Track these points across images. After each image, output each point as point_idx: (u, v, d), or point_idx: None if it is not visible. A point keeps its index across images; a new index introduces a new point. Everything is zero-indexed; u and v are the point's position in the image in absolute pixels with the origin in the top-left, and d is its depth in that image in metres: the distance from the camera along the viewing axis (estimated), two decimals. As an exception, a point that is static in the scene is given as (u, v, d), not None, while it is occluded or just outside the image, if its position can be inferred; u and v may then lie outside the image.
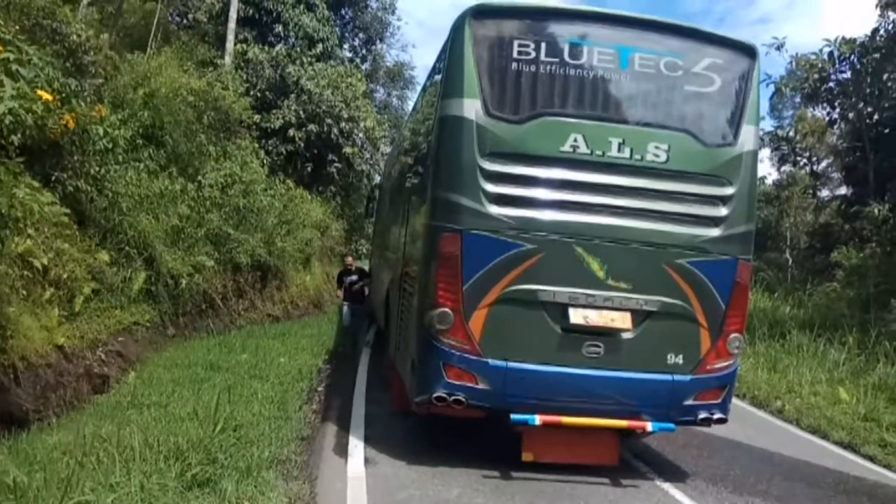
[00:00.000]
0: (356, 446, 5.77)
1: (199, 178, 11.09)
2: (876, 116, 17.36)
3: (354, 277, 10.31)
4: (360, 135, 19.16)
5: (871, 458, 7.12)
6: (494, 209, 5.19)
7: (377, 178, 18.41)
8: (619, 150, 5.26)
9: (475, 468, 5.45)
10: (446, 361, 5.25)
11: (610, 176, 5.29)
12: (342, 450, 5.71)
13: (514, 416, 5.22)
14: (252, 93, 16.52)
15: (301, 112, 17.60)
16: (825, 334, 12.68)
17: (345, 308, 10.41)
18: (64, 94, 6.88)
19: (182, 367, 7.70)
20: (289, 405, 6.33)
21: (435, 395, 5.24)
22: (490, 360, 5.23)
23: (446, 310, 5.21)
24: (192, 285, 9.73)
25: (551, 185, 5.28)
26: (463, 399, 5.23)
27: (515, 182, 5.24)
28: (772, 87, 19.94)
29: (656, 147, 5.29)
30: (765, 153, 30.82)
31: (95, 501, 3.64)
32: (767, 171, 38.58)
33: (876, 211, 14.49)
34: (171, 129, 10.74)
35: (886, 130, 16.62)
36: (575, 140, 5.21)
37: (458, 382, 5.25)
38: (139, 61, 11.60)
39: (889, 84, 16.30)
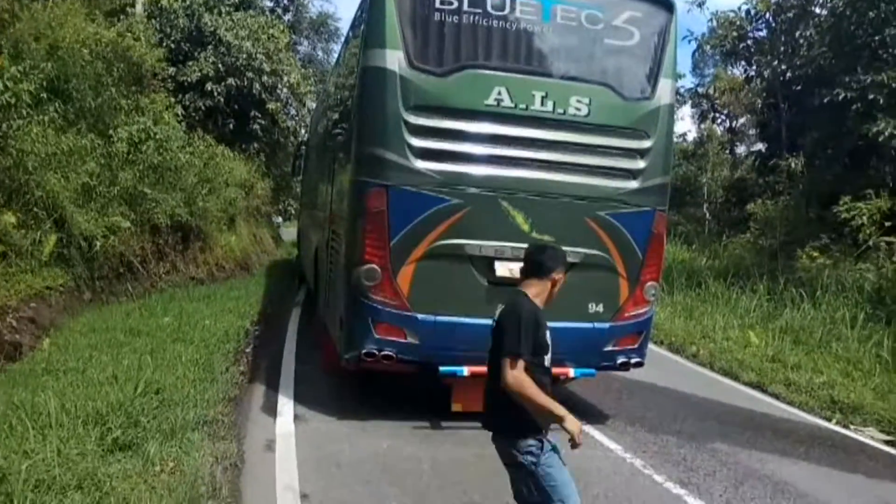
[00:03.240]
0: (286, 404, 5.75)
1: (111, 132, 10.49)
2: (789, 74, 18.12)
3: None
4: (285, 90, 18.56)
5: (777, 396, 7.64)
6: (420, 164, 5.16)
7: (304, 135, 17.94)
8: (542, 104, 5.29)
9: (406, 420, 5.55)
10: (375, 317, 5.26)
11: (533, 130, 5.33)
12: (271, 409, 5.68)
13: (442, 369, 5.31)
14: (166, 43, 15.65)
15: (220, 65, 16.84)
16: (738, 283, 13.41)
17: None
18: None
19: (100, 332, 7.39)
20: (215, 367, 6.18)
21: (364, 351, 5.27)
22: (419, 315, 5.28)
23: (373, 266, 5.19)
24: (107, 248, 9.26)
25: (476, 138, 5.28)
26: (392, 354, 5.28)
27: (441, 136, 5.21)
28: (694, 45, 20.46)
29: (578, 100, 5.35)
30: (686, 111, 31.85)
31: (8, 469, 3.48)
32: (688, 127, 39.87)
33: (792, 164, 15.24)
34: (79, 83, 10.06)
35: (798, 87, 17.38)
36: (499, 93, 5.21)
37: (386, 338, 5.28)
38: (40, 10, 10.74)
39: (801, 42, 17.00)
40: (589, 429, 5.80)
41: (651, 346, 8.15)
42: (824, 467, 5.51)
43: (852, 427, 6.68)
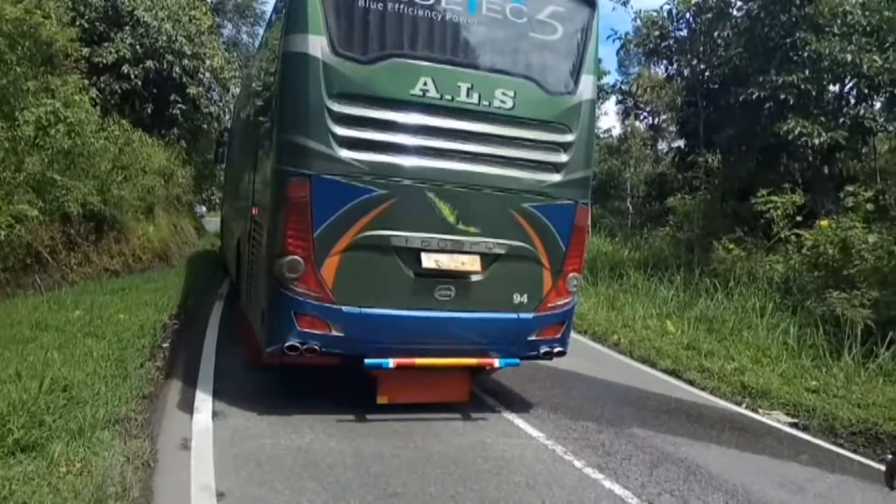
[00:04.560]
0: (204, 401, 5.55)
1: (17, 115, 9.83)
2: (707, 73, 18.83)
3: None
4: (207, 74, 17.85)
5: (692, 382, 7.98)
6: (345, 153, 5.07)
7: (228, 121, 17.37)
8: (467, 96, 5.30)
9: (330, 414, 5.47)
10: (298, 310, 5.15)
11: (459, 121, 5.33)
12: (188, 405, 5.47)
13: (367, 361, 5.27)
14: (79, 23, 14.75)
15: (137, 46, 16.03)
16: (657, 274, 13.94)
17: None
18: None
19: (4, 326, 6.94)
20: (128, 363, 5.92)
21: (287, 344, 5.15)
22: (343, 307, 5.20)
23: (296, 257, 5.08)
24: (12, 237, 8.72)
25: (402, 129, 5.23)
26: (316, 347, 5.19)
27: (366, 125, 5.13)
28: (619, 43, 20.95)
29: (503, 93, 5.39)
30: (611, 107, 32.75)
31: None
32: (613, 123, 41.02)
33: (709, 160, 15.89)
34: (-20, 62, 9.40)
35: (716, 86, 18.08)
36: (425, 83, 5.18)
37: (310, 331, 5.18)
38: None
39: (719, 42, 17.70)
40: (513, 417, 5.92)
41: (575, 335, 8.38)
42: (734, 449, 5.78)
43: (760, 411, 7.05)
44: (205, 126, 19.74)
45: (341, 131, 5.05)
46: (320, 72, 4.94)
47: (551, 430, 5.67)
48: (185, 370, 6.59)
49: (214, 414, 5.29)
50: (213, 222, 25.30)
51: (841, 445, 6.21)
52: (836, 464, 5.68)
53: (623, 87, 29.39)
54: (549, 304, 5.78)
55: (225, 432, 4.93)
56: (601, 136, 31.85)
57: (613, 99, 30.57)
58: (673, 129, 27.48)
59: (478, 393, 6.29)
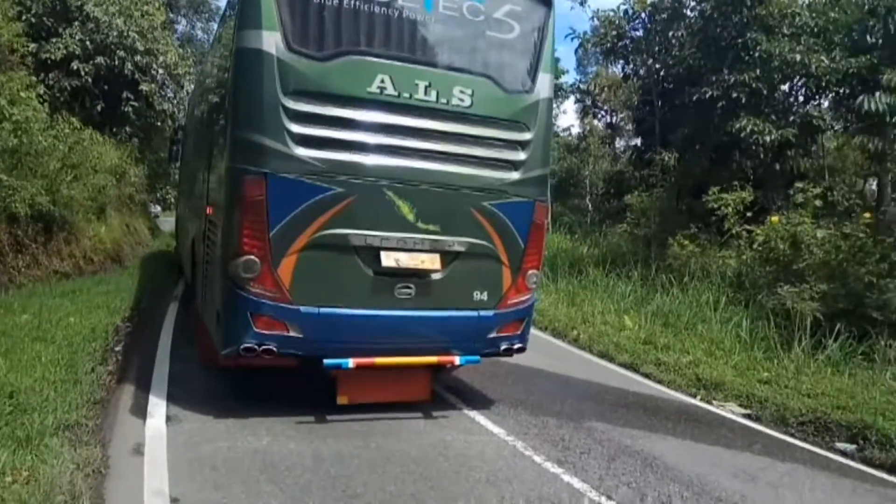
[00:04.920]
0: (157, 405, 5.42)
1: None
2: (662, 73, 19.18)
3: None
4: (161, 71, 17.42)
5: (648, 376, 8.12)
6: (301, 151, 5.00)
7: (182, 119, 16.99)
8: (425, 93, 5.29)
9: (289, 416, 5.40)
10: (254, 311, 5.07)
11: (418, 119, 5.31)
12: (141, 410, 5.34)
13: (327, 361, 5.21)
14: (26, 17, 14.27)
15: (87, 42, 15.55)
16: (616, 270, 14.16)
17: None
18: None
19: (-55, 333, 6.68)
20: (79, 367, 5.74)
21: (243, 346, 5.07)
22: (301, 307, 5.13)
23: (252, 257, 4.99)
24: (-46, 240, 8.39)
25: (360, 126, 5.18)
26: (274, 348, 5.11)
27: (323, 123, 5.07)
28: (577, 42, 21.18)
29: (461, 91, 5.39)
30: (570, 106, 33.09)
31: None
32: (572, 122, 41.47)
33: (665, 158, 16.20)
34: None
35: (671, 86, 18.44)
36: (382, 81, 5.14)
37: (267, 332, 5.10)
38: None
39: (674, 42, 18.05)
40: (474, 414, 5.94)
41: (536, 331, 8.45)
42: (689, 441, 5.91)
43: (714, 402, 7.22)
44: (158, 124, 19.28)
45: (297, 129, 4.98)
46: (275, 68, 4.87)
47: (512, 427, 5.70)
48: (138, 374, 6.43)
49: (168, 418, 5.17)
50: (168, 222, 24.75)
51: (792, 435, 6.40)
52: (787, 453, 5.85)
53: (581, 86, 29.76)
54: (509, 301, 5.81)
55: (179, 437, 4.82)
56: (560, 134, 32.21)
57: (572, 98, 30.94)
58: (630, 127, 27.90)
59: (439, 391, 6.29)
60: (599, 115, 29.98)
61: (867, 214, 10.80)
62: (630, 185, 20.08)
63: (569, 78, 30.20)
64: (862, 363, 8.30)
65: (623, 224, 17.91)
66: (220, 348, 5.26)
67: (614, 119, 30.20)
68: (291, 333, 5.15)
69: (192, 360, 6.68)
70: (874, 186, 16.34)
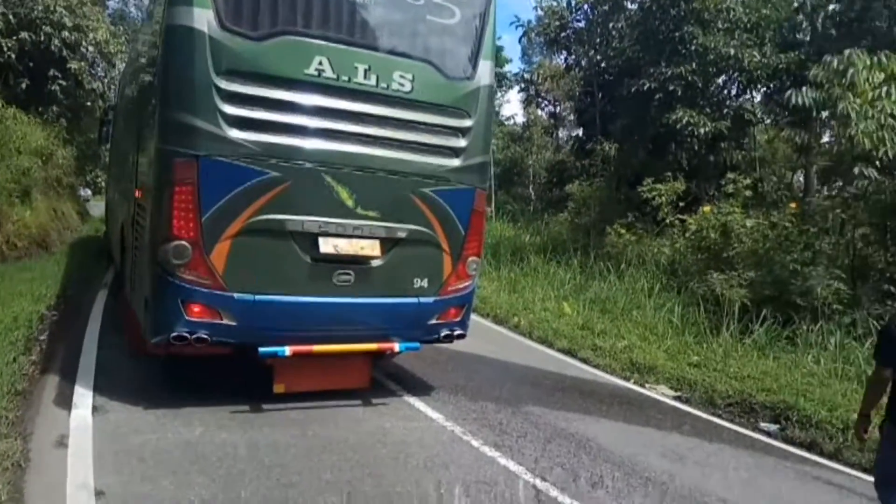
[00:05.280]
0: (83, 396, 5.20)
1: None
2: (603, 64, 19.54)
3: None
4: (90, 48, 16.64)
5: (585, 361, 8.30)
6: (235, 133, 4.84)
7: (113, 99, 16.27)
8: (365, 77, 5.20)
9: (223, 405, 5.26)
10: (186, 298, 4.90)
11: (357, 103, 5.22)
12: (66, 401, 5.11)
13: (261, 350, 5.10)
14: (-61, -12, 13.41)
15: (10, 16, 14.74)
16: (556, 258, 14.40)
17: None
18: None
19: None
20: (-2, 357, 5.47)
21: (174, 334, 4.90)
22: (236, 294, 5.00)
23: (183, 242, 4.82)
24: None
25: (297, 109, 5.05)
26: (206, 336, 4.96)
27: (258, 104, 4.92)
28: (521, 30, 21.33)
29: (401, 76, 5.33)
30: (515, 95, 33.24)
31: None
32: (516, 111, 41.73)
33: (606, 148, 16.52)
34: None
35: (611, 77, 18.80)
36: (320, 63, 5.02)
37: (199, 320, 4.95)
38: None
39: (614, 34, 18.39)
40: (414, 401, 5.94)
41: (477, 318, 8.52)
42: (622, 423, 6.08)
43: (647, 385, 7.44)
44: (88, 103, 18.44)
45: (231, 110, 4.82)
46: (207, 47, 4.68)
47: (451, 412, 5.73)
48: (63, 364, 6.15)
49: (95, 409, 4.97)
50: (98, 206, 23.71)
51: (719, 416, 6.66)
52: (714, 433, 6.09)
53: (526, 75, 29.97)
54: (450, 288, 5.81)
55: (106, 428, 4.64)
56: (505, 123, 32.39)
57: (517, 87, 31.11)
58: (573, 118, 28.31)
59: (379, 378, 6.27)
60: (543, 105, 30.28)
61: (793, 205, 11.32)
62: (572, 174, 20.43)
63: (513, 67, 30.36)
64: (786, 347, 8.72)
65: (564, 213, 18.23)
66: (150, 336, 5.08)
67: (557, 109, 30.57)
68: (225, 321, 5.01)
69: (121, 349, 6.43)
70: (801, 178, 17.12)
